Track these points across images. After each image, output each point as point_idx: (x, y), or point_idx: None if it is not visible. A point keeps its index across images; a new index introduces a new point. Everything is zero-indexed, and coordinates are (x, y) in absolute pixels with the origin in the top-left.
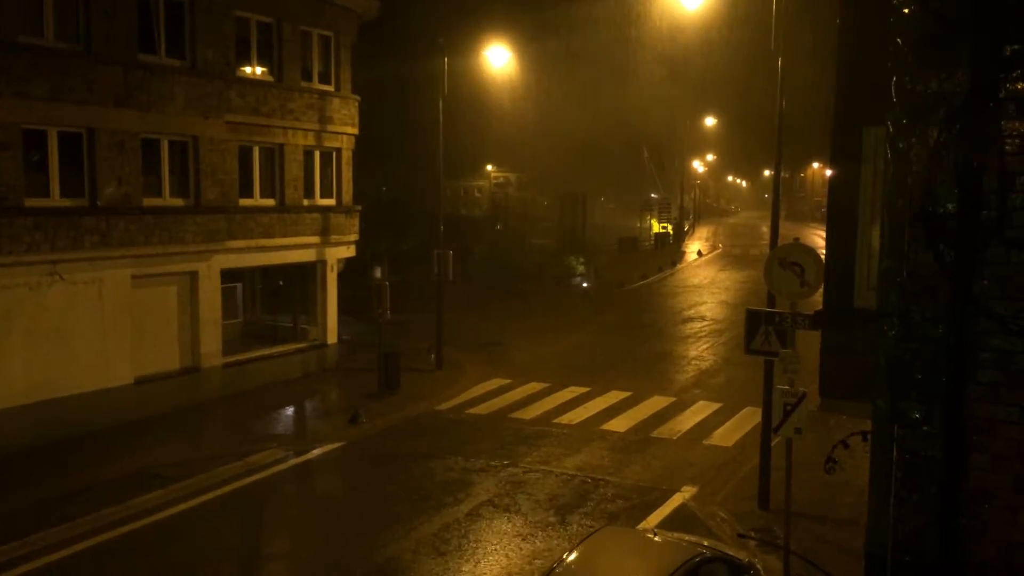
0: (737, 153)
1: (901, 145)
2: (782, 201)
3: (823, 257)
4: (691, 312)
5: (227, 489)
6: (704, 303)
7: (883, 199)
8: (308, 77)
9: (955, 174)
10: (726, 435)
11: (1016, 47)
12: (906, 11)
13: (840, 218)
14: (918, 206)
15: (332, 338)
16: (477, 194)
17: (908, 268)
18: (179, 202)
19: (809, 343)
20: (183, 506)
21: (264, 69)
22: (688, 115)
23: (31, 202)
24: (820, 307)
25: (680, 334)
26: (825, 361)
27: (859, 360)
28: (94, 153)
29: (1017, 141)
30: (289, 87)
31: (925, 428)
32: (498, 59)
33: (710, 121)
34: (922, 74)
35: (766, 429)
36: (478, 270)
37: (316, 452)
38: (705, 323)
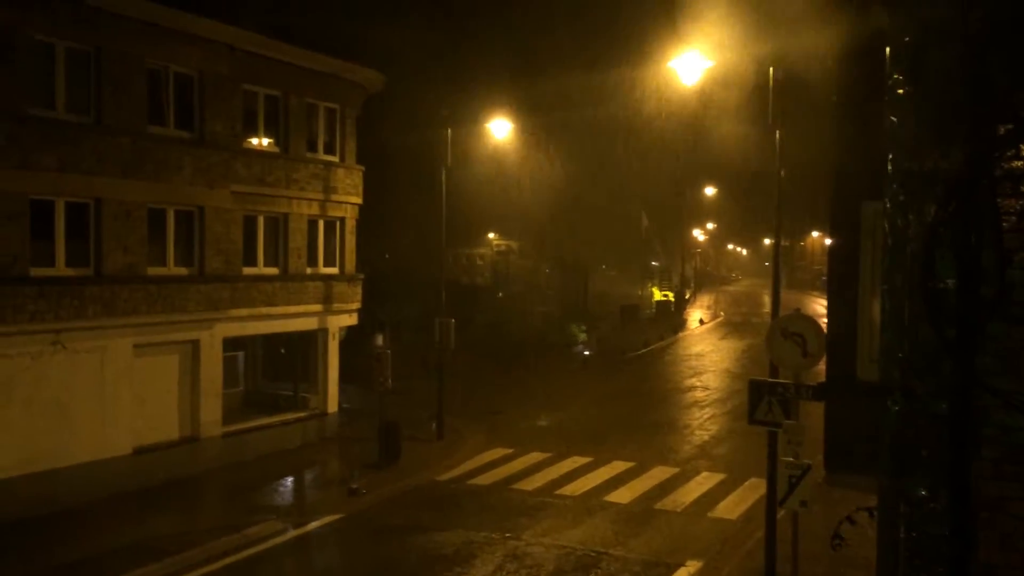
0: (737, 221)
1: (899, 222)
2: (782, 269)
3: (825, 328)
4: (693, 381)
5: (224, 563)
6: (706, 372)
7: (883, 274)
8: (313, 148)
9: (954, 251)
10: (731, 507)
11: (1009, 127)
12: (900, 92)
13: (841, 289)
14: (918, 282)
15: (333, 407)
16: (479, 261)
17: (909, 343)
18: (183, 271)
19: (813, 412)
20: None
21: (270, 140)
22: (688, 184)
23: (36, 271)
24: (823, 377)
25: (683, 403)
26: (829, 434)
27: (863, 434)
28: (100, 223)
29: (1013, 218)
30: (294, 158)
31: (932, 505)
32: (500, 130)
33: (710, 190)
34: (918, 152)
35: (771, 502)
36: (480, 338)
37: (315, 524)
38: (708, 392)
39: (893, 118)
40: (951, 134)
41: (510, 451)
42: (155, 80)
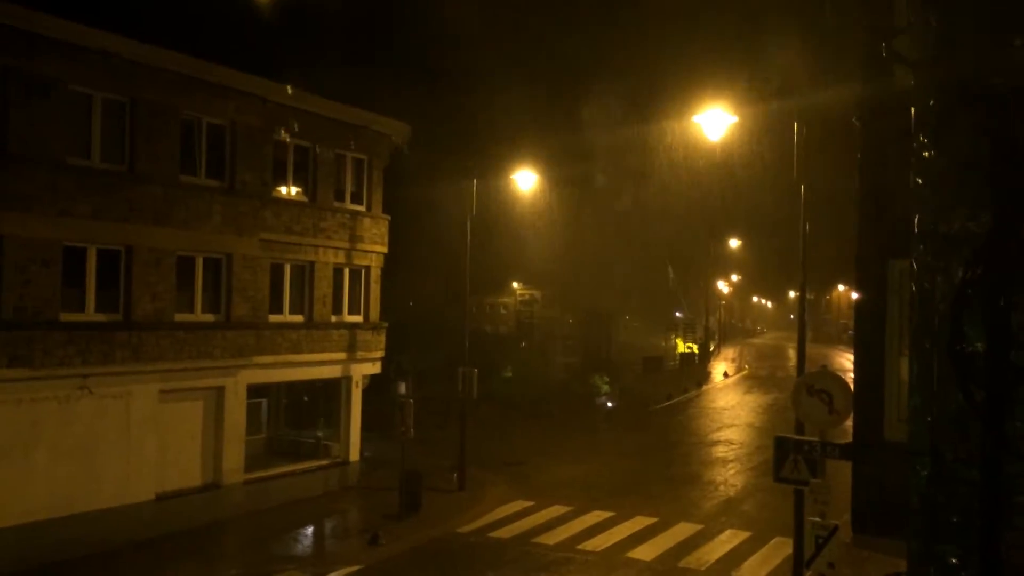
0: (762, 274)
1: (926, 284)
2: (808, 323)
3: (852, 385)
4: (718, 435)
5: None
6: (731, 426)
7: (910, 335)
8: (341, 197)
9: (982, 313)
10: (756, 567)
11: None
12: (925, 154)
13: (868, 348)
14: (946, 345)
15: (355, 455)
16: (503, 311)
17: (938, 407)
18: (210, 318)
19: (841, 469)
20: None
21: (299, 189)
22: (712, 236)
23: (66, 316)
24: (851, 434)
25: (707, 458)
26: (857, 495)
27: (892, 496)
28: (131, 269)
29: None
30: (322, 207)
31: (962, 574)
32: (525, 182)
33: (734, 243)
34: (944, 214)
35: (797, 563)
36: (502, 388)
37: (334, 575)
38: (732, 447)
39: (919, 180)
40: (978, 196)
41: (531, 503)
42: (188, 130)
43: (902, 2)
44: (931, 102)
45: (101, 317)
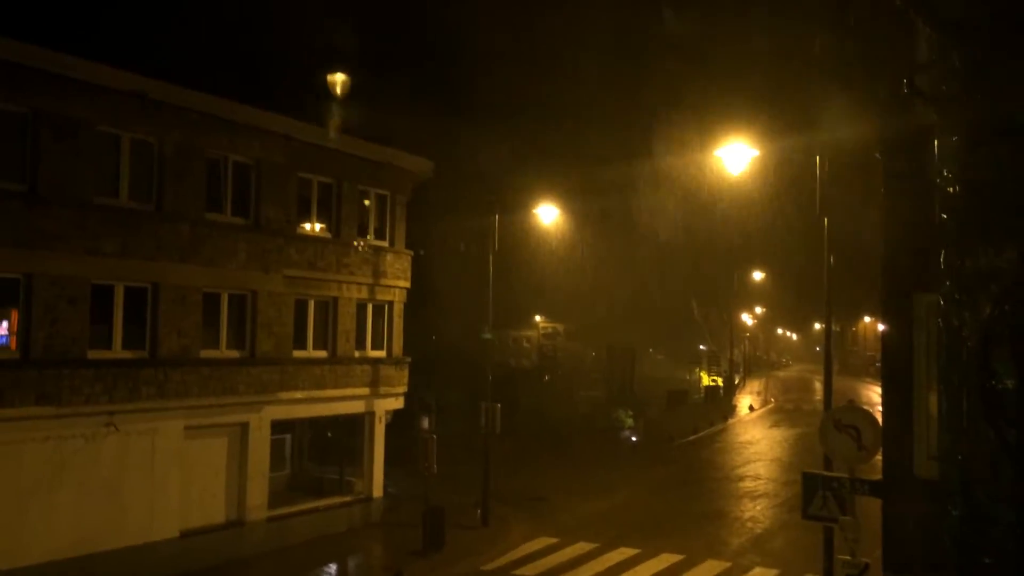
0: (786, 306)
1: (954, 320)
2: (834, 355)
3: (880, 420)
4: (744, 470)
5: None
6: (757, 460)
7: (939, 372)
8: (364, 233)
9: (1012, 350)
10: None
11: None
12: (950, 190)
13: (895, 383)
14: (975, 382)
15: (378, 491)
16: (526, 344)
17: (969, 446)
18: (234, 354)
19: (871, 503)
20: None
21: (323, 225)
22: (736, 268)
23: (94, 354)
24: (881, 470)
25: (733, 493)
26: (887, 533)
27: (924, 535)
28: (157, 307)
29: None
30: (345, 243)
31: None
32: (547, 216)
33: (758, 275)
34: (970, 250)
35: None
36: (525, 422)
37: None
38: (759, 482)
39: (943, 215)
40: (1004, 231)
41: (556, 540)
42: (214, 169)
43: (923, 39)
44: (955, 138)
45: (128, 354)
